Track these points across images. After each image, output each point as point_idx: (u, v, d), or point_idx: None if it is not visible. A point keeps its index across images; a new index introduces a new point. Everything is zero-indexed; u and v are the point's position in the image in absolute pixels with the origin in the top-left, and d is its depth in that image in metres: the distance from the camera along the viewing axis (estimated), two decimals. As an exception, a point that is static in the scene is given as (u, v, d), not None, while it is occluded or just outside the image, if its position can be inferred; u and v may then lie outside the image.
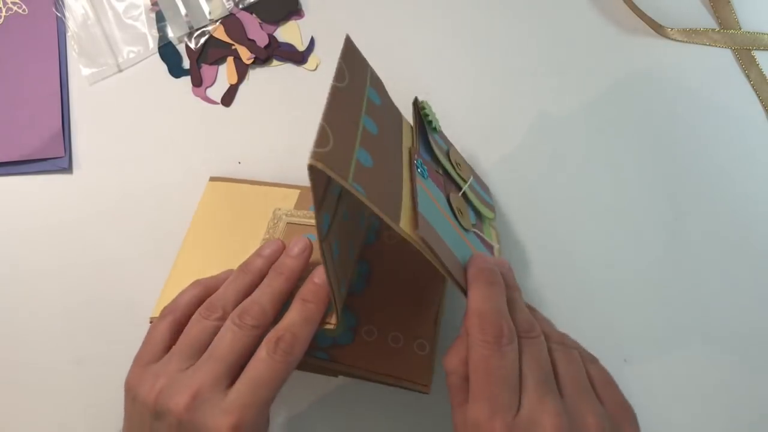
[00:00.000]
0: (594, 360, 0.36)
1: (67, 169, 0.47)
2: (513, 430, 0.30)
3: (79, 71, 0.48)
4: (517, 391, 0.32)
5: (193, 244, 0.43)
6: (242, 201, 0.44)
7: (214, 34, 0.48)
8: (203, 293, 0.37)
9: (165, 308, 0.37)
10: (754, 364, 0.49)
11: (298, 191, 0.44)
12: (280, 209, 0.43)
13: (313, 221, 0.41)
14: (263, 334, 0.34)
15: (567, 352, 0.34)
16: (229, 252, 0.42)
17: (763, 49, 0.50)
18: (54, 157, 0.47)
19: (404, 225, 0.32)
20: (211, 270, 0.39)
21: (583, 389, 0.33)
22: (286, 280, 0.36)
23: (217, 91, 0.49)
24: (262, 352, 0.33)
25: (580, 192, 0.49)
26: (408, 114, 0.45)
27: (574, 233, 0.49)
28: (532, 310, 0.36)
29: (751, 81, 0.50)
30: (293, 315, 0.35)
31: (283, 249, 0.38)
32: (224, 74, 0.49)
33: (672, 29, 0.50)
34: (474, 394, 0.32)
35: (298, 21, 0.49)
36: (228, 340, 0.34)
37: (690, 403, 0.48)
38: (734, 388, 0.48)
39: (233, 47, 0.48)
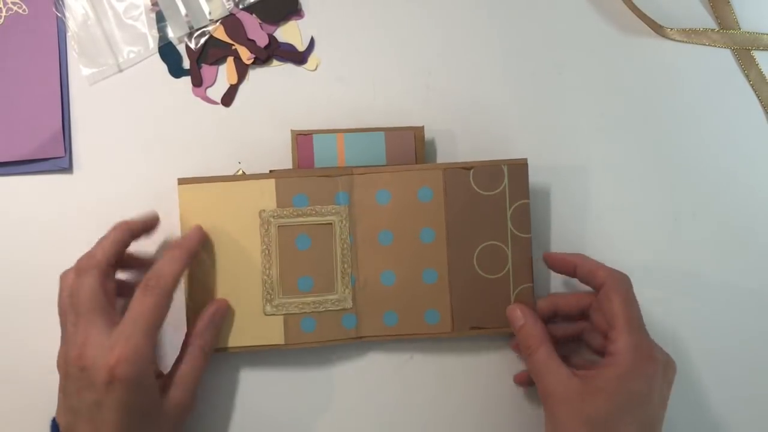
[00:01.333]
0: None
1: (67, 169, 0.47)
2: None
3: (79, 71, 0.48)
4: None
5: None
6: (223, 202, 0.44)
7: (214, 34, 0.48)
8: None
9: None
10: (754, 364, 0.49)
11: (273, 181, 0.44)
12: (265, 211, 0.44)
13: (301, 219, 0.44)
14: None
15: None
16: (229, 260, 0.44)
17: (762, 49, 0.50)
18: (54, 157, 0.47)
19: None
20: (220, 280, 0.44)
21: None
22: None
23: (217, 91, 0.49)
24: (136, 293, 0.39)
25: (579, 192, 0.49)
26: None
27: (574, 233, 0.49)
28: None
29: (750, 81, 0.50)
30: (161, 259, 0.41)
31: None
32: (224, 74, 0.49)
33: (671, 29, 0.50)
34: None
35: (298, 21, 0.49)
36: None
37: (690, 403, 0.48)
38: (734, 388, 0.49)
39: (233, 47, 0.48)
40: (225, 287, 0.44)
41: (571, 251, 0.48)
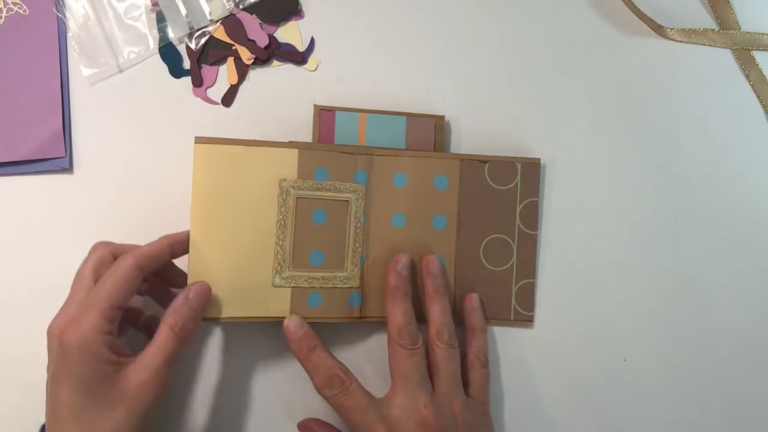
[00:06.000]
0: (485, 364, 0.45)
1: (68, 169, 0.47)
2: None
3: (79, 71, 0.48)
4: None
5: (201, 218, 0.42)
6: (241, 166, 0.43)
7: (214, 35, 0.48)
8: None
9: None
10: (754, 364, 0.49)
11: (296, 151, 0.43)
12: (285, 180, 0.43)
13: (320, 193, 0.44)
14: None
15: (448, 352, 0.43)
16: (242, 227, 0.42)
17: (762, 50, 0.50)
18: (54, 157, 0.47)
19: None
20: (227, 248, 0.42)
21: (455, 384, 0.42)
22: None
23: (217, 92, 0.49)
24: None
25: (579, 192, 0.49)
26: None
27: (574, 233, 0.49)
28: (435, 299, 0.44)
29: (750, 81, 0.50)
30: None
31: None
32: (224, 74, 0.49)
33: (671, 29, 0.50)
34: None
35: (298, 21, 0.49)
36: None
37: (689, 403, 0.48)
38: (734, 388, 0.49)
39: (233, 47, 0.48)
40: (234, 255, 0.42)
41: (569, 252, 0.48)
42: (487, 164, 0.46)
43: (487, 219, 0.46)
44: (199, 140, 0.42)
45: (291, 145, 0.44)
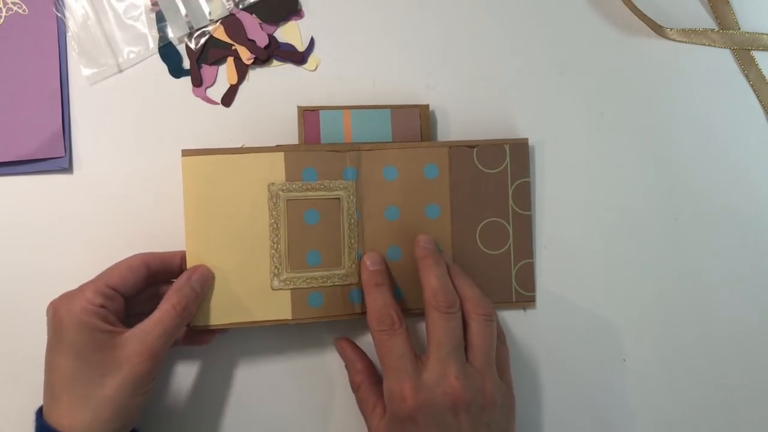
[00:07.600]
0: (504, 340, 0.45)
1: (67, 169, 0.47)
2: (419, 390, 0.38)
3: (79, 71, 0.48)
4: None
5: (196, 229, 0.43)
6: (230, 175, 0.43)
7: (214, 35, 0.48)
8: None
9: None
10: (754, 364, 0.49)
11: (282, 154, 0.44)
12: (274, 184, 0.44)
13: (310, 193, 0.44)
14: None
15: (486, 324, 0.41)
16: (236, 235, 0.43)
17: (762, 50, 0.50)
18: (54, 157, 0.47)
19: None
20: (223, 257, 0.43)
21: (490, 362, 0.40)
22: None
23: (217, 92, 0.49)
24: None
25: (579, 192, 0.49)
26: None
27: (574, 233, 0.49)
28: (458, 276, 0.43)
29: (750, 81, 0.50)
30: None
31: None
32: (224, 74, 0.49)
33: (671, 29, 0.50)
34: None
35: (298, 21, 0.49)
36: None
37: (688, 403, 0.48)
38: (734, 388, 0.49)
39: (233, 47, 0.48)
40: (230, 262, 0.43)
41: (569, 252, 0.48)
42: (475, 149, 0.46)
43: (481, 204, 0.46)
44: (186, 153, 0.43)
45: (277, 148, 0.44)
